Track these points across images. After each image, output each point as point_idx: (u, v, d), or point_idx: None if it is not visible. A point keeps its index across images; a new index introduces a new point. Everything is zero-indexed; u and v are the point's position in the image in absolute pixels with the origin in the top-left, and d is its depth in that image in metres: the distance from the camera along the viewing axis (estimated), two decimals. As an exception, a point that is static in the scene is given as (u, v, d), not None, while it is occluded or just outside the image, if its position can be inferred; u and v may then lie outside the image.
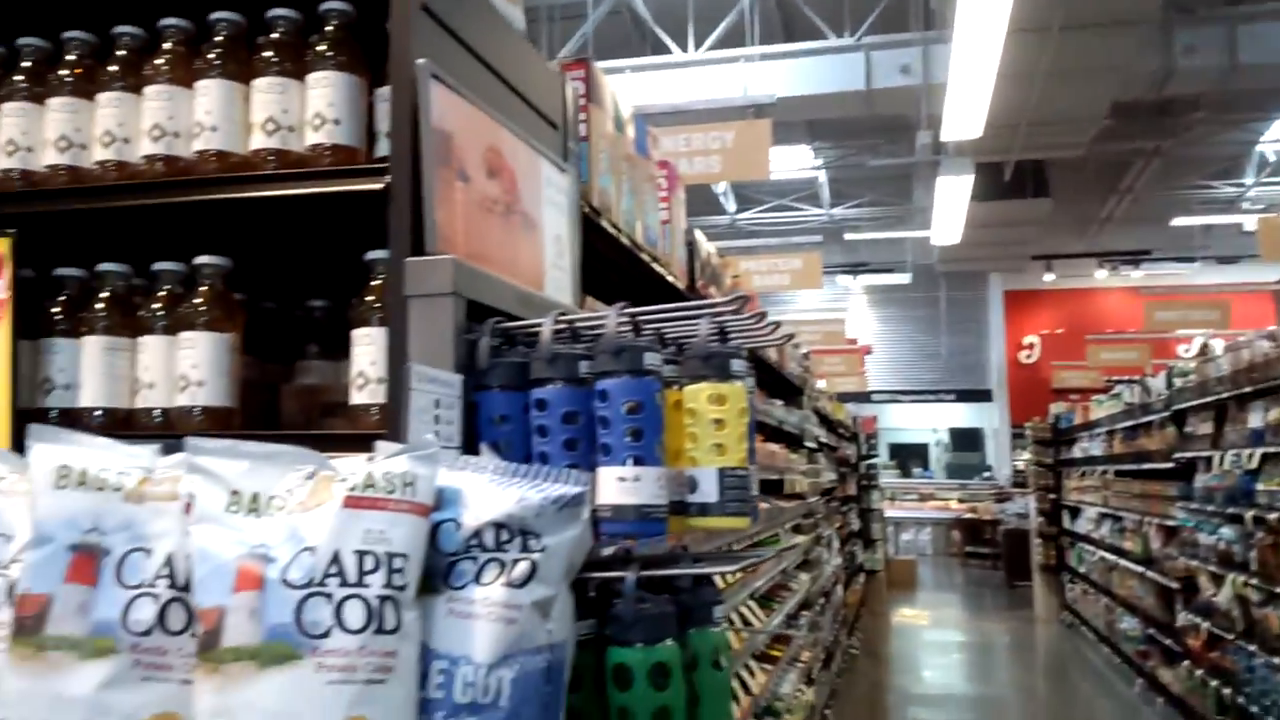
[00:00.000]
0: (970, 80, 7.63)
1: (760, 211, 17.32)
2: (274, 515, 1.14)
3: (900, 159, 13.70)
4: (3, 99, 1.76)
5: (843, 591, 8.49)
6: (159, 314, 1.66)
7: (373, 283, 1.64)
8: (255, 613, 1.06)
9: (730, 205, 16.82)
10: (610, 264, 2.87)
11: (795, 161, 14.32)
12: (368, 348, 1.58)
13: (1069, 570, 11.90)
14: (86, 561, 1.12)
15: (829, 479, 8.18)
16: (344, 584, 1.08)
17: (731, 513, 1.47)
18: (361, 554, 1.10)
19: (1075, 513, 11.61)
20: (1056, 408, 13.57)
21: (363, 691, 1.04)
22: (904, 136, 12.94)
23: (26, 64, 1.77)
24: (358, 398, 1.58)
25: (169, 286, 1.69)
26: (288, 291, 2.01)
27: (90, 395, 1.65)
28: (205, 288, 1.65)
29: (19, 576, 1.14)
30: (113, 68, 1.72)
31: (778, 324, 1.73)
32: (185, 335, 1.63)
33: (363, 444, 1.34)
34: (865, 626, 10.82)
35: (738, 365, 1.50)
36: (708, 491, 1.47)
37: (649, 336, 1.56)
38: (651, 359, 1.43)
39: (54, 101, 1.73)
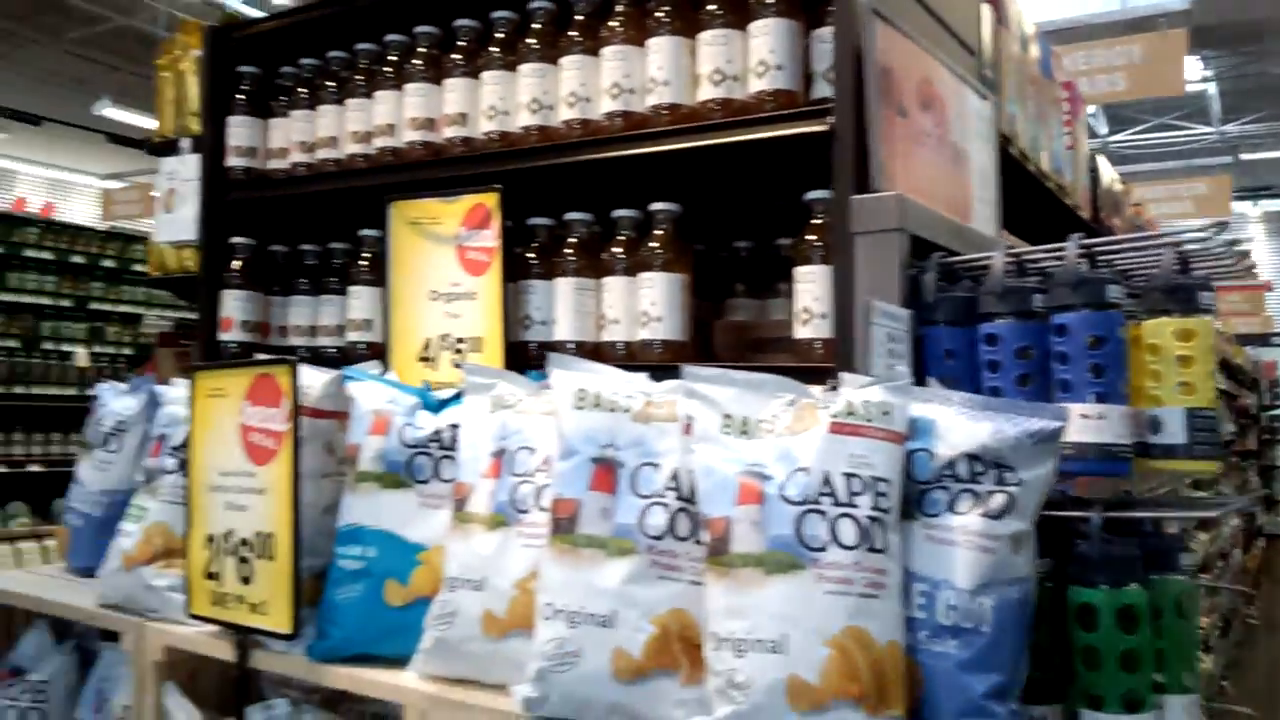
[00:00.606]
0: None
1: (1137, 132, 15.57)
2: (763, 437, 1.23)
3: (1317, 62, 11.67)
4: (481, 68, 2.01)
5: (1241, 556, 7.63)
6: (619, 257, 1.84)
7: (812, 221, 1.70)
8: (757, 524, 1.16)
9: (1101, 127, 15.27)
10: (1008, 193, 2.75)
11: (1182, 73, 12.67)
12: (810, 285, 1.65)
13: None
14: (606, 473, 1.29)
15: (1227, 431, 7.33)
16: (836, 503, 1.15)
17: (1200, 455, 1.39)
18: (849, 476, 1.17)
19: None
20: None
21: (859, 604, 1.12)
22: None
23: (499, 35, 2.01)
24: (801, 332, 1.65)
25: (626, 232, 1.86)
26: (713, 234, 2.13)
27: (564, 330, 1.87)
28: (660, 232, 1.80)
29: (551, 483, 1.33)
30: (572, 33, 1.90)
31: (1246, 252, 1.58)
32: (644, 276, 1.79)
33: (806, 376, 1.41)
34: (1265, 595, 9.65)
35: (1206, 298, 1.40)
36: (1174, 432, 1.39)
37: (1103, 269, 1.49)
38: (1114, 291, 1.37)
39: (524, 68, 1.94)
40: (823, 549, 1.13)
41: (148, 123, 10.91)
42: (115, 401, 2.06)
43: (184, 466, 1.73)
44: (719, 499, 1.19)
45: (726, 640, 1.13)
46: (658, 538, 1.24)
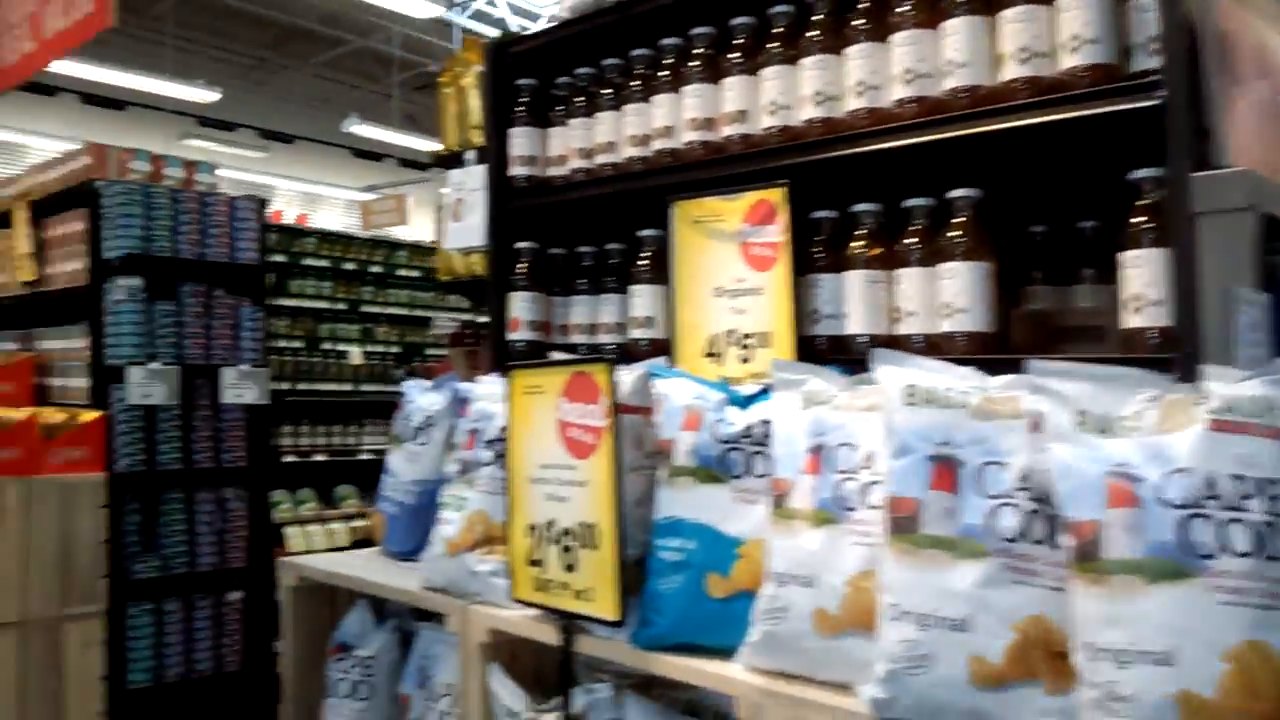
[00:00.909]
0: None
1: None
2: (1127, 436, 1.16)
3: None
4: (760, 65, 2.01)
5: None
6: (914, 247, 1.79)
7: (1139, 203, 1.59)
8: (1132, 529, 1.09)
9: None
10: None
11: None
12: (1141, 270, 1.54)
13: None
14: (946, 471, 1.25)
15: None
16: (1224, 507, 1.07)
17: None
18: (1236, 478, 1.08)
19: None
20: None
21: (1259, 616, 1.03)
22: None
23: (778, 30, 2.00)
24: (1132, 321, 1.55)
25: (920, 221, 1.81)
26: (1003, 218, 2.03)
27: (855, 324, 1.84)
28: (960, 220, 1.74)
29: (882, 481, 1.31)
30: (857, 22, 1.86)
31: None
32: (944, 266, 1.73)
33: (1137, 367, 1.31)
34: None
35: None
36: None
37: None
38: None
39: (807, 61, 1.92)
40: (1212, 556, 1.05)
41: (388, 136, 11.71)
42: (421, 398, 2.20)
43: (499, 458, 1.82)
44: (1083, 501, 1.13)
45: (1105, 651, 1.07)
46: (1011, 540, 1.20)
